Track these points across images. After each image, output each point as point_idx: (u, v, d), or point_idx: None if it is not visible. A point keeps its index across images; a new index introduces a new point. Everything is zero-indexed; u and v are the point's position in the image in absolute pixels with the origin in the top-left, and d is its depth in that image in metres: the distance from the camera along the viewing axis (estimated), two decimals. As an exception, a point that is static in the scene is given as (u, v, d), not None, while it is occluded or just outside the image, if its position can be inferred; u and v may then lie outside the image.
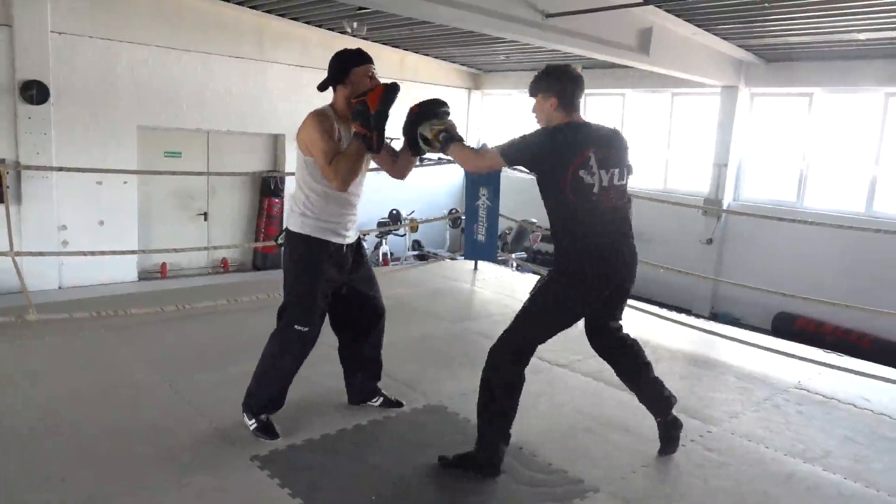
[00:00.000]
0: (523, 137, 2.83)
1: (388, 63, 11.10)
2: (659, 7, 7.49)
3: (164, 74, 9.15)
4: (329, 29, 10.31)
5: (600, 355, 3.20)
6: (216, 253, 10.30)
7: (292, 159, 10.71)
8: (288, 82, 10.42)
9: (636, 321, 5.35)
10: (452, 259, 8.05)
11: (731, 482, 2.97)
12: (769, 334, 6.25)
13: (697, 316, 7.48)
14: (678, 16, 7.82)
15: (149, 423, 3.18)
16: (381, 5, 6.51)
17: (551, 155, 2.76)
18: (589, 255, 2.80)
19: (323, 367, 3.47)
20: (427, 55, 11.93)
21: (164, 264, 9.73)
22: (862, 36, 7.64)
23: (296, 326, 2.98)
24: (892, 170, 8.50)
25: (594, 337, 3.12)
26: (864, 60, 8.37)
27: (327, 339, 3.25)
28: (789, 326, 8.94)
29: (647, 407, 3.18)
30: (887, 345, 8.21)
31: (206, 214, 10.26)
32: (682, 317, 5.50)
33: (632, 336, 3.17)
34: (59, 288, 8.56)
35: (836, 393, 4.06)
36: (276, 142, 10.79)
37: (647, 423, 3.47)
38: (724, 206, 9.72)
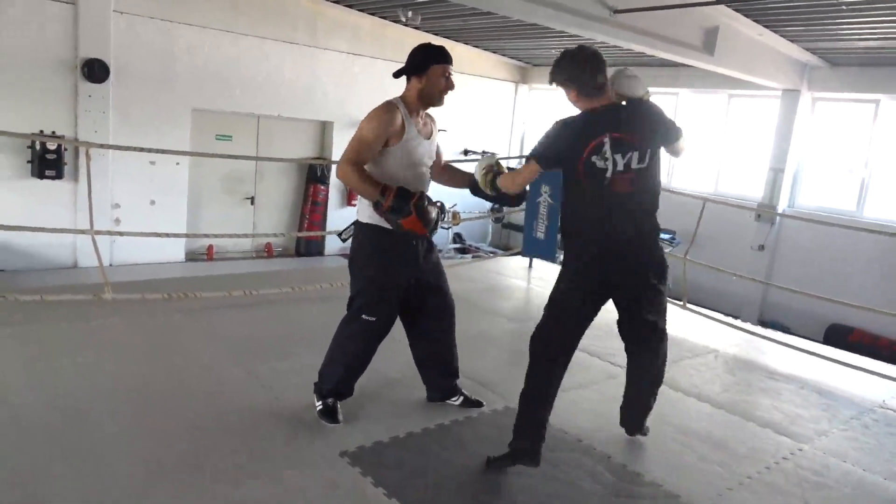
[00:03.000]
0: (545, 136, 2.83)
1: (438, 53, 10.99)
2: (729, 6, 7.29)
3: (219, 58, 9.16)
4: (382, 17, 10.25)
5: (625, 343, 3.10)
6: (261, 237, 10.34)
7: (342, 146, 10.71)
8: (339, 70, 10.39)
9: (711, 331, 5.26)
10: (493, 254, 7.98)
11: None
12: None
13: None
14: (747, 15, 7.60)
15: (231, 410, 3.16)
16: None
17: (566, 146, 2.77)
18: (590, 242, 2.83)
19: (401, 361, 3.42)
20: (477, 47, 11.80)
21: (210, 247, 9.79)
22: (939, 42, 7.37)
23: (363, 316, 2.96)
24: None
25: (622, 324, 3.06)
26: (937, 67, 8.08)
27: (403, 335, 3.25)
28: (843, 339, 8.69)
29: (624, 417, 3.21)
30: (947, 362, 7.95)
31: (252, 199, 10.29)
32: (758, 329, 5.36)
33: (665, 347, 3.08)
34: (110, 265, 8.66)
35: (924, 414, 3.92)
36: (325, 129, 10.76)
37: (734, 435, 3.40)
38: (779, 212, 9.48)
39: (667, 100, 10.87)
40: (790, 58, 8.83)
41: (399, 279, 2.99)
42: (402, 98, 2.93)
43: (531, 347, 2.89)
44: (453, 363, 3.36)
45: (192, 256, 9.66)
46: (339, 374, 3.07)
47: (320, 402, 3.11)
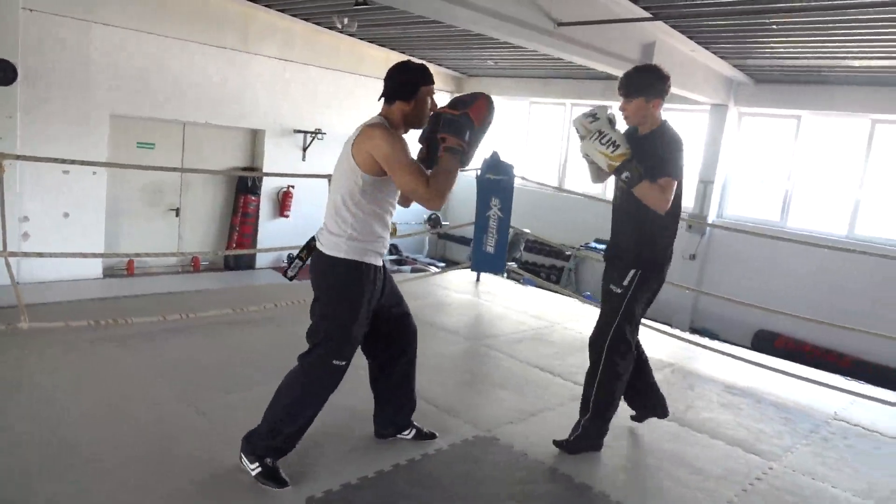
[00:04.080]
0: (678, 152, 2.93)
1: (372, 62, 10.77)
2: (665, 22, 7.45)
3: (141, 61, 8.61)
4: (316, 23, 9.95)
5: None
6: (187, 249, 9.78)
7: (273, 156, 10.35)
8: (270, 76, 10.02)
9: (662, 344, 5.27)
10: (438, 269, 7.82)
11: (813, 527, 2.84)
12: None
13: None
14: (682, 32, 7.80)
15: (181, 456, 2.84)
16: (401, 3, 6.20)
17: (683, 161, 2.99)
18: (667, 254, 3.15)
19: (360, 392, 3.15)
20: (412, 56, 11.65)
21: (131, 261, 9.17)
22: (857, 63, 7.78)
23: (334, 361, 2.66)
24: (875, 194, 8.70)
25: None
26: (853, 86, 8.54)
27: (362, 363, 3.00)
28: (769, 344, 9.04)
29: (649, 410, 3.46)
30: (866, 365, 8.38)
31: (178, 210, 9.72)
32: (715, 343, 5.42)
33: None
34: (17, 284, 7.92)
35: (875, 424, 4.03)
36: (256, 137, 10.33)
37: (705, 455, 3.36)
38: (709, 223, 9.79)
39: (600, 112, 11.06)
40: (719, 74, 9.15)
41: (368, 315, 2.73)
42: (386, 118, 2.65)
43: (612, 353, 3.07)
44: (414, 396, 3.14)
45: (110, 272, 9.01)
46: (291, 431, 2.69)
47: (257, 465, 2.67)
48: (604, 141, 2.86)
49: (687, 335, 5.81)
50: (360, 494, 2.71)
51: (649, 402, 3.46)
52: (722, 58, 8.60)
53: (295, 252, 2.97)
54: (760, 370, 4.77)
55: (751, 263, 9.51)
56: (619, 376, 3.12)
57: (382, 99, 2.66)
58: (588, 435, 3.17)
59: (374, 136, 2.53)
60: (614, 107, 10.30)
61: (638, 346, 3.32)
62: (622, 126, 3.09)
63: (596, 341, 3.14)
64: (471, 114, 2.56)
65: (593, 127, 2.92)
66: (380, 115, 2.66)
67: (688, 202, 10.16)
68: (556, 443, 3.20)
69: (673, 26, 7.62)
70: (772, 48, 7.90)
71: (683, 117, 10.45)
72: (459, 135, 2.54)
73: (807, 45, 7.46)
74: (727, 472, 3.21)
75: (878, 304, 8.24)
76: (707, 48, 8.30)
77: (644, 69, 3.02)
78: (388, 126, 2.60)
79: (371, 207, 2.62)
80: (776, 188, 9.53)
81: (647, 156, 2.89)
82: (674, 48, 8.12)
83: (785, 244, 8.44)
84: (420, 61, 2.79)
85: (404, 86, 2.62)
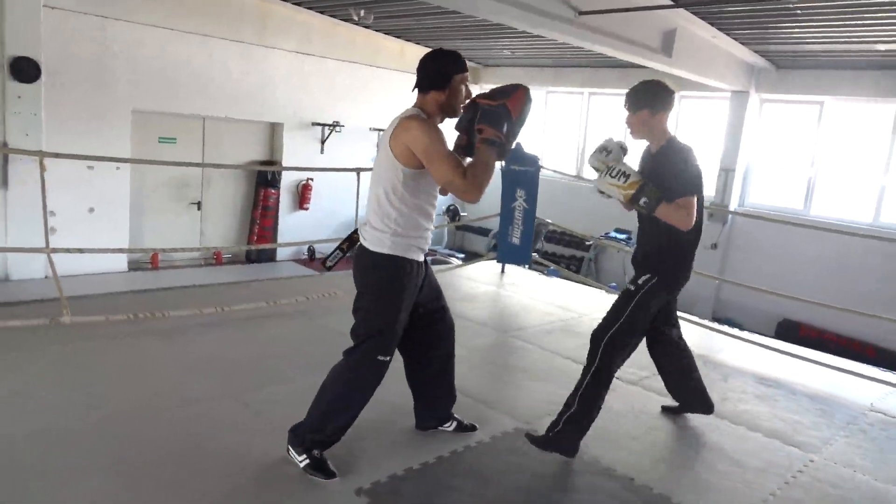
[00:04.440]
0: (691, 168, 2.94)
1: (388, 54, 10.76)
2: (686, 9, 7.38)
3: (161, 56, 8.65)
4: (332, 16, 9.94)
5: (657, 355, 3.44)
6: (209, 242, 9.86)
7: (292, 149, 10.39)
8: (289, 70, 10.03)
9: (689, 333, 5.25)
10: (462, 261, 7.83)
11: (858, 518, 2.84)
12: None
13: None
14: (703, 18, 7.73)
15: (229, 450, 2.88)
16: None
17: (701, 174, 3.00)
18: (687, 265, 3.16)
19: (401, 384, 3.17)
20: (428, 47, 11.61)
21: (155, 255, 9.25)
22: (882, 47, 7.67)
23: (379, 357, 2.67)
24: (900, 181, 8.61)
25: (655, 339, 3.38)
26: (878, 71, 8.43)
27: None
28: (793, 334, 9.00)
29: (694, 406, 3.52)
30: (891, 354, 8.33)
31: (199, 204, 9.79)
32: (745, 333, 5.41)
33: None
34: (46, 277, 8.03)
35: (912, 414, 4.01)
36: (275, 130, 10.36)
37: (745, 448, 3.36)
38: (731, 211, 9.72)
39: (617, 100, 10.97)
40: (740, 60, 9.06)
41: (409, 310, 2.75)
42: (421, 109, 2.64)
43: (609, 351, 3.02)
44: (453, 389, 3.16)
45: (135, 265, 9.10)
46: (340, 424, 2.73)
47: (305, 457, 2.71)
48: (614, 174, 2.88)
49: (715, 325, 5.79)
50: (408, 485, 2.75)
51: (692, 400, 3.52)
52: (743, 44, 8.52)
53: (334, 245, 3.00)
54: (790, 360, 4.75)
55: (773, 252, 9.44)
56: (611, 375, 3.04)
57: (416, 90, 2.65)
58: (565, 435, 2.99)
59: (411, 127, 2.53)
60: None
61: (681, 343, 3.38)
62: (633, 145, 3.14)
63: (598, 336, 3.07)
64: (509, 105, 2.52)
65: (609, 160, 2.95)
66: (415, 106, 2.66)
67: (709, 191, 10.10)
68: (528, 436, 3.08)
69: (694, 13, 7.55)
70: (794, 33, 7.80)
71: (704, 104, 10.38)
72: (497, 126, 2.51)
73: (830, 29, 7.36)
74: (767, 465, 3.21)
75: (903, 292, 8.17)
76: (728, 34, 8.22)
77: (650, 83, 3.01)
78: (424, 117, 2.60)
79: (414, 201, 2.62)
80: (799, 176, 9.45)
81: (663, 175, 2.90)
82: (694, 35, 8.05)
83: (808, 232, 8.38)
84: (453, 50, 2.75)
85: (437, 75, 2.61)
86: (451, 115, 2.69)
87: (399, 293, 2.67)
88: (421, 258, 2.75)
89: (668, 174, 2.89)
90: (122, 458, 2.75)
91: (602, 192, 2.99)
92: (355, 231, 2.76)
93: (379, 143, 2.65)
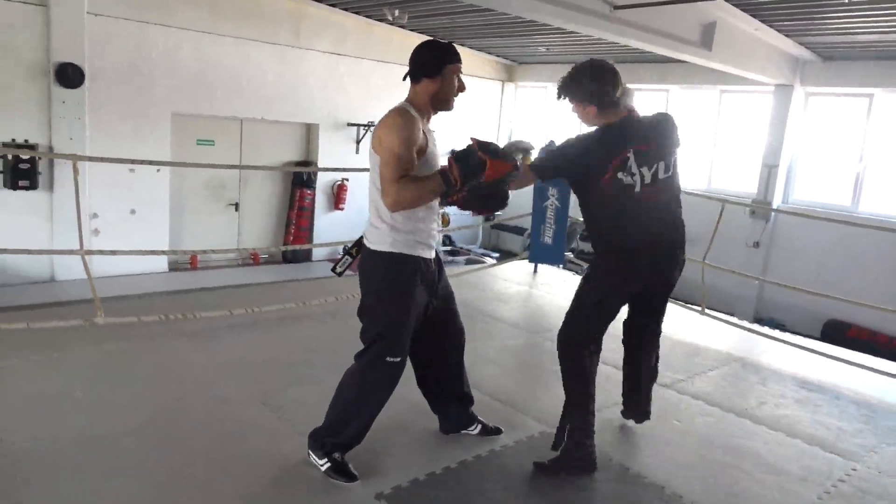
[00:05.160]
0: (560, 149, 2.86)
1: (423, 52, 10.74)
2: (727, 0, 7.18)
3: (199, 60, 8.80)
4: (367, 16, 9.97)
5: (627, 341, 3.25)
6: (246, 243, 10.00)
7: (327, 149, 10.46)
8: (324, 71, 10.09)
9: (725, 335, 5.11)
10: (495, 260, 7.76)
11: (903, 532, 2.70)
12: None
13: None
14: (744, 10, 7.49)
15: (253, 451, 2.89)
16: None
17: (586, 162, 2.76)
18: (634, 252, 2.83)
19: (413, 385, 3.10)
20: (462, 45, 11.56)
21: (194, 255, 9.42)
22: (935, 36, 7.32)
23: (388, 359, 2.62)
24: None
25: (634, 325, 3.20)
26: (931, 61, 8.06)
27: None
28: (841, 335, 8.66)
29: (632, 409, 3.30)
30: (947, 357, 7.95)
31: (237, 205, 9.93)
32: (786, 335, 5.25)
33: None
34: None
35: (965, 421, 3.80)
36: (310, 131, 10.45)
37: (784, 454, 3.23)
38: (774, 208, 9.42)
39: (657, 96, 10.76)
40: (784, 52, 8.76)
41: (420, 311, 2.69)
42: (411, 102, 2.61)
43: (563, 348, 2.92)
44: (467, 390, 3.09)
45: (174, 266, 9.28)
46: (357, 427, 2.70)
47: (326, 460, 2.69)
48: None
49: (755, 327, 5.61)
50: (429, 491, 2.71)
51: (630, 403, 3.32)
52: (787, 35, 8.23)
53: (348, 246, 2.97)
54: (835, 363, 4.56)
55: (820, 250, 9.11)
56: (584, 371, 2.87)
57: (409, 79, 2.62)
58: (564, 451, 2.86)
59: (385, 122, 2.52)
60: (672, 90, 9.96)
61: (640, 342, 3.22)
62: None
63: (558, 336, 2.95)
64: (489, 169, 2.40)
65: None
66: (406, 100, 2.62)
67: (751, 187, 9.81)
68: (536, 464, 2.90)
69: (735, 4, 7.33)
70: (842, 23, 7.50)
71: (745, 99, 10.08)
72: (464, 173, 2.41)
73: (880, 18, 7.04)
74: (807, 473, 3.08)
75: (959, 291, 7.79)
76: (771, 26, 7.95)
77: (574, 72, 2.80)
78: (411, 111, 2.55)
79: None
80: (846, 171, 9.09)
81: None
82: (735, 27, 7.80)
83: (857, 229, 8.06)
84: (445, 41, 2.72)
85: (430, 63, 2.57)
86: (444, 107, 2.64)
87: (404, 292, 2.60)
88: (429, 255, 2.68)
89: None
90: (154, 459, 2.78)
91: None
92: (363, 236, 2.73)
93: None
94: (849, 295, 6.57)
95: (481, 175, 2.42)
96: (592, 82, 2.75)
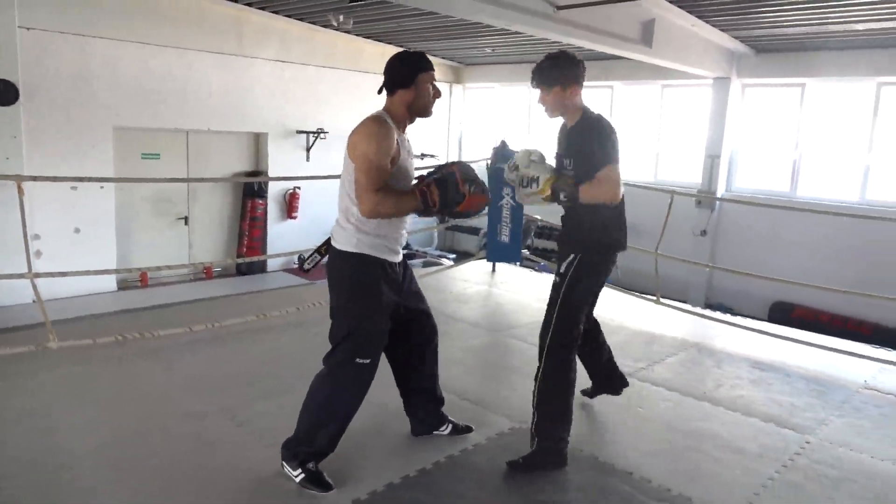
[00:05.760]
0: (608, 137, 2.79)
1: (369, 57, 10.71)
2: (665, -2, 7.41)
3: (140, 72, 8.59)
4: (311, 22, 9.90)
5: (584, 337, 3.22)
6: (198, 257, 9.80)
7: (278, 158, 10.34)
8: (269, 78, 9.99)
9: (680, 322, 5.27)
10: (444, 258, 7.82)
11: (858, 500, 2.84)
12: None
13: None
14: (681, 6, 7.74)
15: (224, 466, 2.85)
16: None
17: (618, 146, 2.81)
18: (613, 249, 2.99)
19: (393, 388, 3.11)
20: (409, 49, 11.60)
21: (144, 273, 9.18)
22: (860, 26, 7.70)
23: (357, 360, 2.63)
24: (884, 158, 8.64)
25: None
26: (857, 50, 8.46)
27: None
28: (787, 316, 9.02)
29: (601, 386, 3.50)
30: (886, 331, 8.36)
31: (186, 218, 9.73)
32: (737, 319, 5.44)
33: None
34: (34, 302, 7.95)
35: (906, 391, 4.02)
36: (259, 140, 10.32)
37: (741, 433, 3.36)
38: (718, 197, 9.74)
39: (602, 93, 11.00)
40: (720, 46, 9.08)
41: (389, 311, 2.72)
42: (388, 112, 2.65)
43: (557, 351, 2.91)
44: (438, 391, 3.14)
45: (124, 284, 9.04)
46: (330, 433, 2.69)
47: (300, 471, 2.67)
48: (525, 183, 2.85)
49: (707, 312, 5.80)
50: (406, 494, 2.72)
51: (603, 380, 3.51)
52: (722, 30, 8.53)
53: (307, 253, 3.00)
54: (784, 343, 4.75)
55: (763, 235, 9.47)
56: (566, 372, 2.91)
57: (385, 92, 2.66)
58: (541, 449, 2.88)
59: (361, 129, 2.54)
60: (616, 87, 10.20)
61: (595, 325, 3.36)
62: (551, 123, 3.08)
63: (541, 336, 2.97)
64: (465, 203, 2.58)
65: (518, 175, 2.90)
66: (383, 108, 2.66)
67: (696, 178, 10.13)
68: (510, 464, 2.91)
69: (672, 2, 7.56)
70: (773, 17, 7.82)
71: (686, 92, 10.40)
72: (443, 198, 2.55)
73: (808, 11, 7.37)
74: (765, 449, 3.21)
75: (892, 268, 8.19)
76: (707, 21, 8.23)
77: (555, 56, 2.88)
78: (387, 120, 2.59)
79: None
80: (784, 158, 9.48)
81: (581, 151, 2.82)
82: (673, 24, 8.06)
83: (796, 213, 8.42)
84: (417, 50, 2.80)
85: (403, 74, 2.62)
86: (421, 115, 2.69)
87: (370, 292, 2.64)
88: (395, 259, 2.72)
89: (587, 147, 2.79)
90: (118, 481, 2.72)
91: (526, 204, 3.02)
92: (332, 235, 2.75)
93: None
94: (792, 277, 6.86)
95: (455, 206, 2.58)
96: (571, 66, 2.87)
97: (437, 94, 2.71)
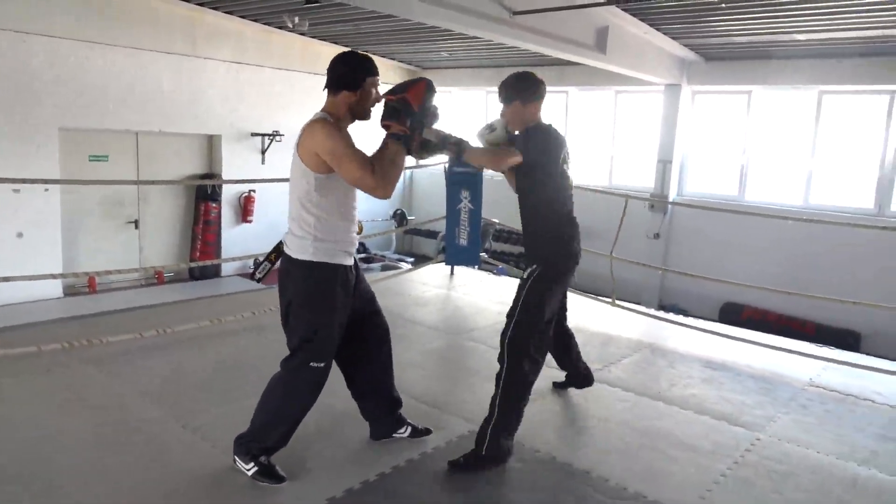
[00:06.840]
0: (534, 136, 3.03)
1: (326, 60, 10.40)
2: (618, 6, 7.54)
3: (88, 71, 8.33)
4: (266, 24, 9.77)
5: (555, 342, 3.49)
6: (149, 261, 9.54)
7: (232, 160, 10.15)
8: (223, 80, 9.80)
9: (634, 324, 5.37)
10: (403, 262, 7.81)
11: (804, 493, 2.94)
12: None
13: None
14: (634, 15, 7.91)
15: (181, 477, 2.78)
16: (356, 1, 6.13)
17: (553, 152, 3.02)
18: (570, 246, 3.12)
19: (346, 391, 3.08)
20: (366, 52, 11.53)
21: (92, 278, 8.90)
22: (802, 37, 8.00)
23: (312, 364, 2.66)
24: (826, 164, 8.99)
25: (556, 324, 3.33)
26: (800, 60, 8.79)
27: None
28: (737, 316, 9.29)
29: (580, 377, 3.71)
30: (829, 330, 8.69)
31: (136, 222, 9.46)
32: (689, 320, 5.56)
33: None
34: (-24, 310, 7.64)
35: (848, 388, 4.18)
36: (212, 142, 10.11)
37: (694, 432, 3.44)
38: (670, 201, 9.97)
39: (556, 98, 11.15)
40: (671, 54, 9.31)
41: (343, 316, 2.72)
42: (329, 112, 2.62)
43: (521, 354, 2.96)
44: (395, 393, 3.13)
45: (71, 290, 8.74)
46: (282, 431, 2.73)
47: (252, 464, 2.72)
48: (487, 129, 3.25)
49: (661, 314, 5.93)
50: (367, 499, 2.71)
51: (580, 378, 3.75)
52: (674, 38, 8.76)
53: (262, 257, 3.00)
54: (734, 343, 4.90)
55: (713, 238, 9.74)
56: (525, 373, 2.96)
57: (326, 91, 2.65)
58: (490, 445, 2.90)
59: (315, 132, 2.53)
60: (570, 92, 10.38)
61: (562, 323, 3.53)
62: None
63: (502, 336, 3.04)
64: (409, 97, 2.59)
65: (488, 125, 3.27)
66: (322, 110, 2.65)
67: (648, 182, 10.35)
68: (451, 463, 2.93)
69: (625, 10, 7.72)
70: (721, 27, 8.07)
71: (639, 98, 10.62)
72: (400, 120, 2.59)
73: (754, 21, 7.64)
74: (717, 447, 3.30)
75: (834, 270, 8.53)
76: (658, 29, 8.44)
77: (520, 75, 3.13)
78: (331, 120, 2.59)
79: (331, 206, 2.62)
80: (732, 163, 9.77)
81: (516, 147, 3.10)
82: (626, 31, 8.23)
83: (745, 217, 8.68)
84: (364, 53, 2.80)
85: (350, 76, 2.62)
86: (361, 118, 2.69)
87: (326, 298, 2.65)
88: (349, 262, 2.73)
89: (518, 144, 3.09)
90: (67, 493, 2.63)
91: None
92: (281, 242, 2.73)
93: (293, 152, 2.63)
94: (741, 279, 7.12)
95: (411, 108, 2.60)
96: (539, 84, 3.13)
97: (378, 98, 2.71)
